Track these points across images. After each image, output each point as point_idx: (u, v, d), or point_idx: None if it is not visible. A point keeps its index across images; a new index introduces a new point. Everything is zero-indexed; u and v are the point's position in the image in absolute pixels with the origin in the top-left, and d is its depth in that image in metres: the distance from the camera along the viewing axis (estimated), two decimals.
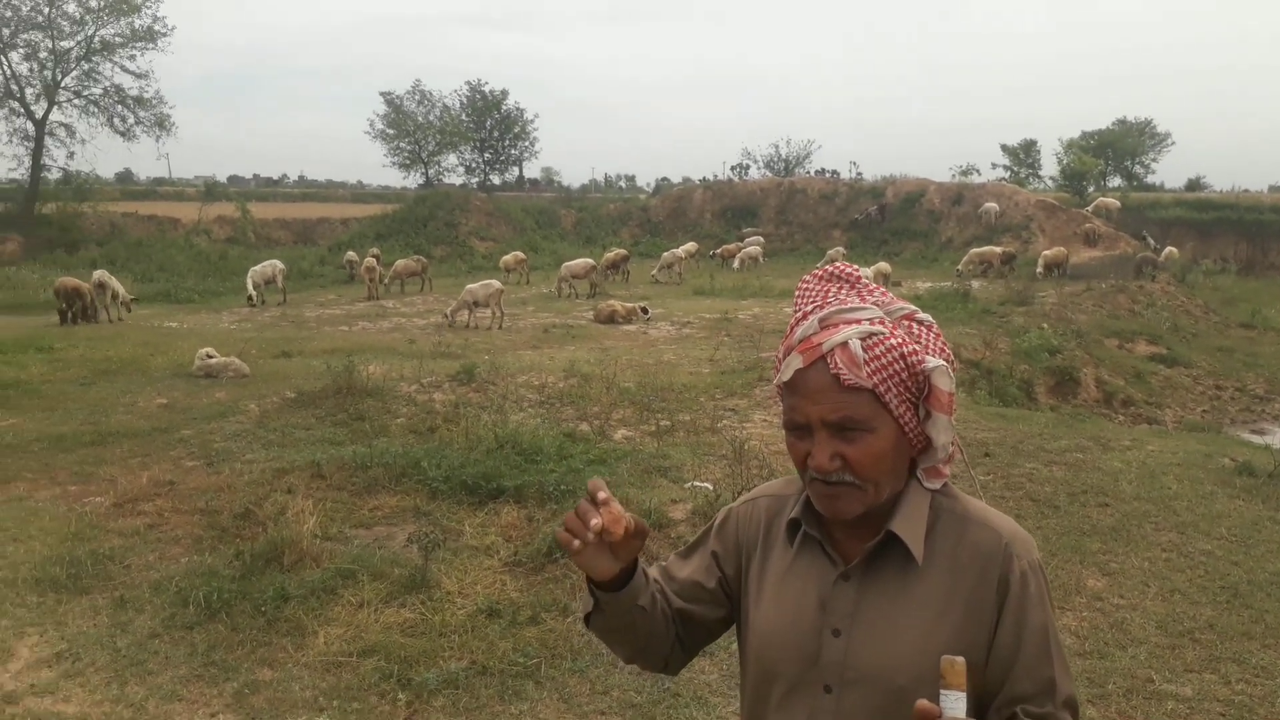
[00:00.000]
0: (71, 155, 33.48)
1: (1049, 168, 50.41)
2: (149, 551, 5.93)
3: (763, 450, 7.44)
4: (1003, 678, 1.39)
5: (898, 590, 1.42)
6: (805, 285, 1.52)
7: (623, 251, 26.70)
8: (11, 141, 32.50)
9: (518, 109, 48.77)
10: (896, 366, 1.38)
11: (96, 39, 32.39)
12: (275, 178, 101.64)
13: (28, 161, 32.51)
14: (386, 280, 22.92)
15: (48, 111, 32.45)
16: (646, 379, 10.57)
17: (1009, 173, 50.94)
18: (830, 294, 1.47)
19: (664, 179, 69.27)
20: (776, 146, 53.92)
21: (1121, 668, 4.54)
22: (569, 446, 7.61)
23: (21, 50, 31.64)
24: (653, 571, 1.64)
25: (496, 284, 17.36)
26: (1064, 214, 31.82)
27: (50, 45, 31.81)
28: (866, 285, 1.49)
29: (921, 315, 1.48)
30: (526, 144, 50.02)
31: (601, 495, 1.39)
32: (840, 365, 1.36)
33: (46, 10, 31.29)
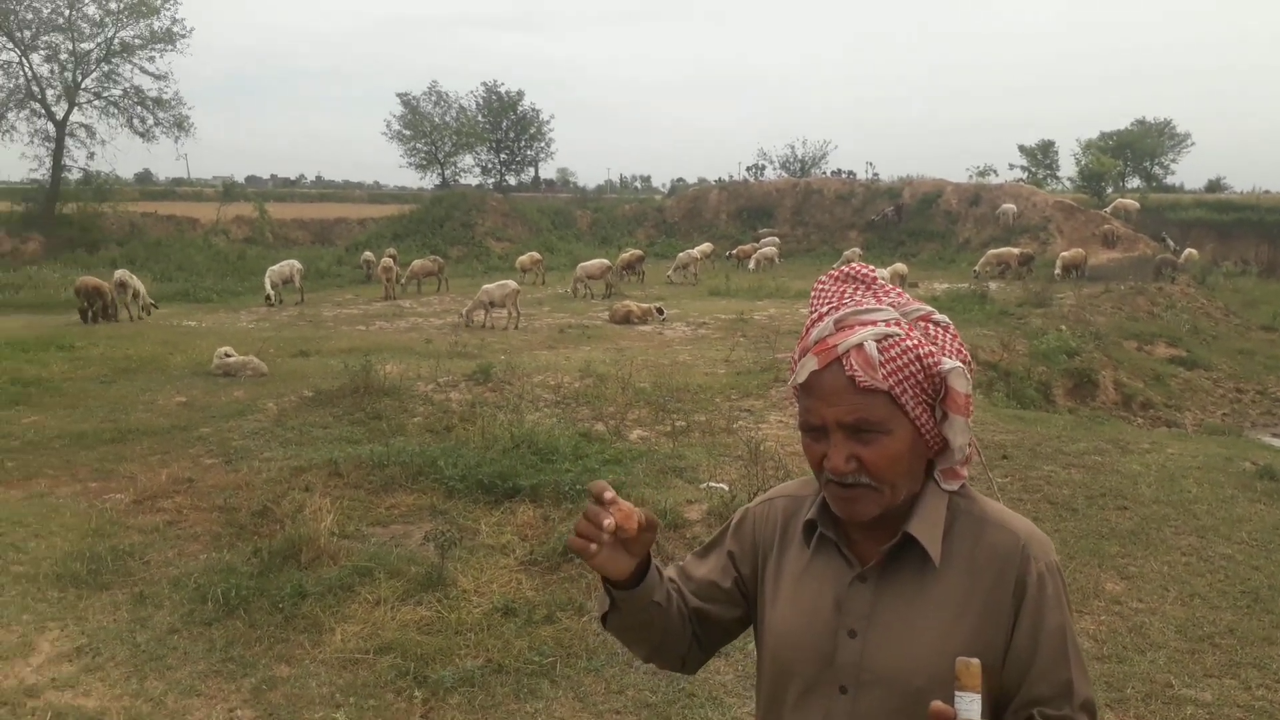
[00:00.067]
0: (92, 156, 33.67)
1: (1067, 168, 50.21)
2: (168, 548, 5.99)
3: (778, 451, 7.43)
4: (1020, 680, 1.38)
5: (914, 592, 1.42)
6: (821, 286, 1.51)
7: (638, 252, 26.71)
8: (33, 142, 32.73)
9: (533, 110, 48.83)
10: (912, 368, 1.38)
11: (116, 41, 32.62)
12: (293, 178, 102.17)
13: (49, 162, 32.75)
14: (403, 280, 23.00)
15: (68, 112, 32.70)
16: (662, 379, 10.58)
17: (1027, 173, 50.71)
18: (846, 295, 1.47)
19: (679, 179, 69.23)
20: (792, 147, 53.84)
21: (1140, 672, 4.51)
22: (584, 446, 7.63)
23: (43, 52, 31.91)
24: (670, 571, 1.64)
25: (512, 284, 17.40)
26: (1082, 215, 31.62)
27: (71, 47, 32.07)
28: (882, 286, 1.49)
29: (938, 316, 1.47)
30: (542, 145, 50.09)
31: (608, 495, 1.39)
32: (856, 367, 1.36)
33: (67, 12, 31.55)
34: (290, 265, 21.88)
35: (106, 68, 33.05)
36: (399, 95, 44.78)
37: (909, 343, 1.39)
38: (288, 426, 8.62)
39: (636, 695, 4.35)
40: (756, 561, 1.61)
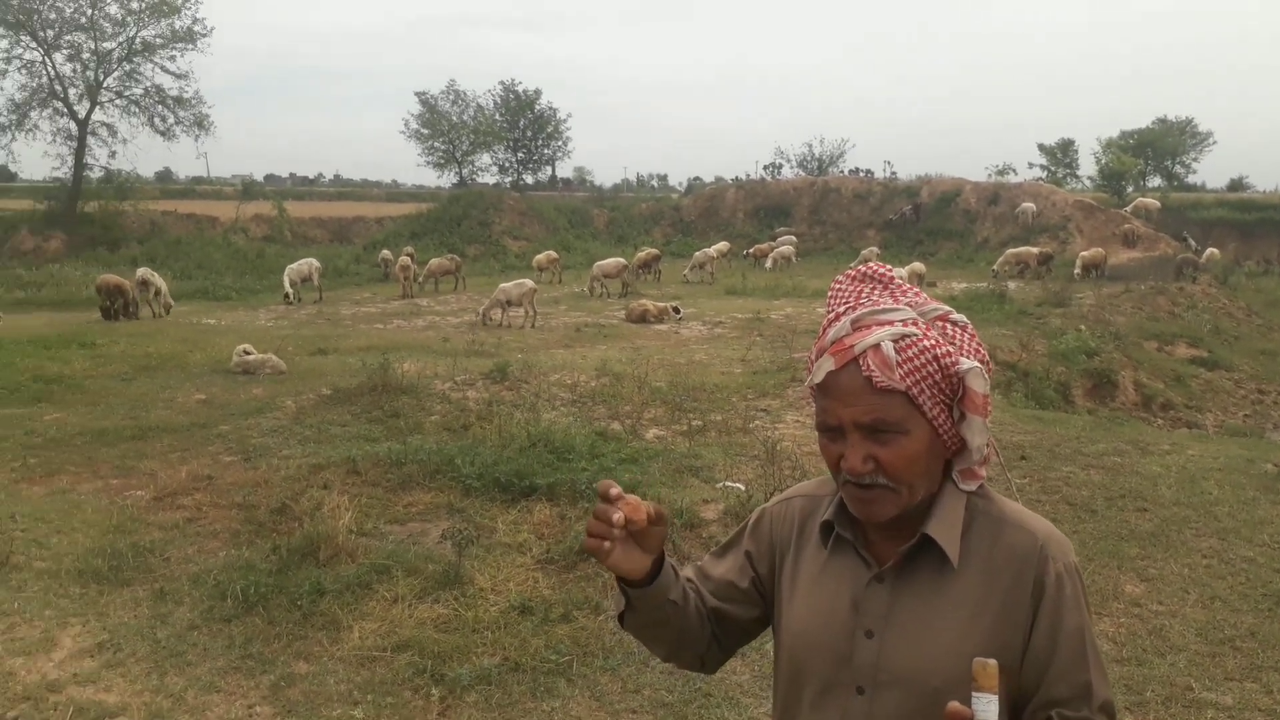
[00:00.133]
0: (113, 154, 33.93)
1: (1087, 167, 49.90)
2: (188, 545, 6.04)
3: (795, 451, 7.42)
4: (1038, 681, 1.38)
5: (931, 592, 1.41)
6: (838, 286, 1.51)
7: (654, 251, 26.71)
8: (55, 141, 33.02)
9: (551, 108, 48.93)
10: (930, 368, 1.37)
11: (138, 40, 32.88)
12: (311, 177, 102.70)
13: (71, 161, 33.03)
14: (421, 279, 23.08)
15: (90, 111, 32.96)
16: (678, 378, 10.58)
17: (1046, 172, 50.43)
18: (863, 295, 1.46)
19: (696, 178, 69.23)
20: (810, 145, 53.71)
21: (1160, 675, 4.48)
22: (601, 445, 7.64)
23: (65, 51, 32.20)
24: (687, 571, 1.65)
25: (529, 283, 17.44)
26: (1102, 214, 31.41)
27: (93, 46, 32.34)
28: (900, 286, 1.48)
29: (956, 316, 1.46)
30: (559, 144, 50.19)
31: (614, 492, 1.40)
32: (873, 367, 1.36)
33: (89, 12, 31.82)
34: (309, 264, 22.00)
35: (128, 67, 33.34)
36: (417, 94, 45.08)
37: (926, 343, 1.38)
38: (306, 424, 8.67)
39: (653, 694, 4.36)
40: (774, 561, 1.60)
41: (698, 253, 26.58)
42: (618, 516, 1.38)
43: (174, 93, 33.94)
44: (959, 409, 1.41)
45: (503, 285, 17.58)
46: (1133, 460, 7.87)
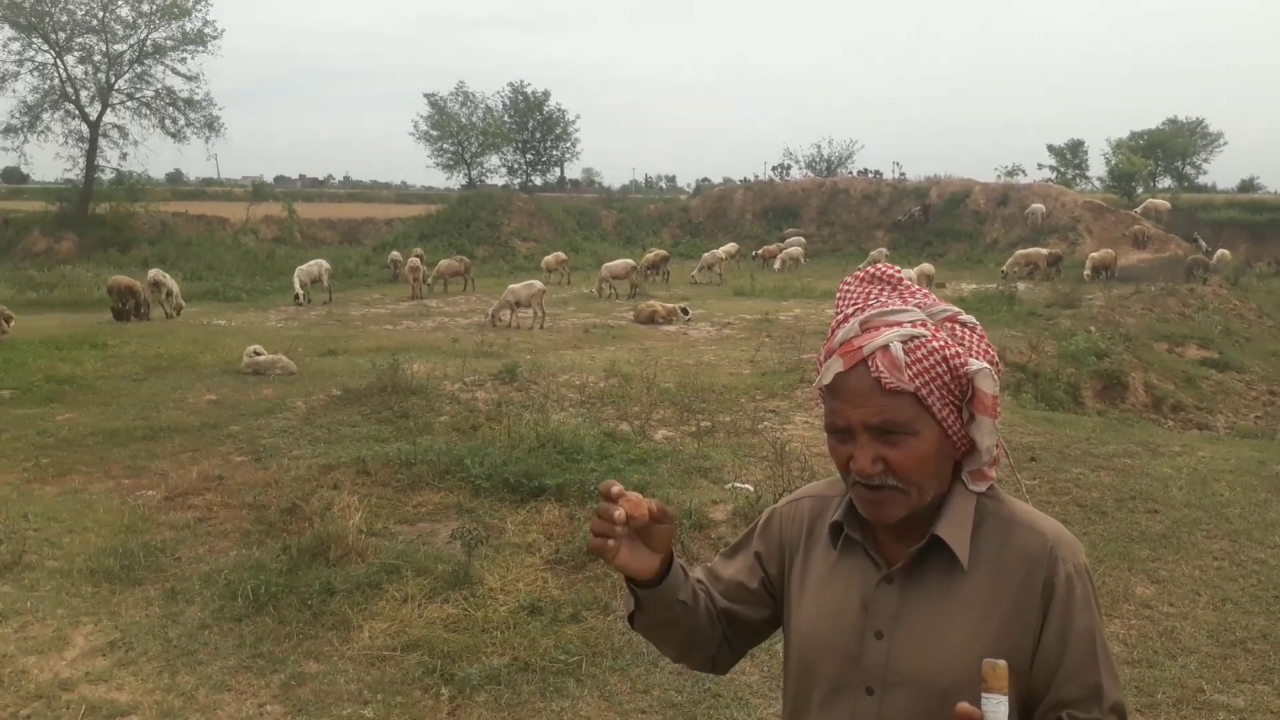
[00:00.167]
0: (124, 156, 34.11)
1: (1096, 168, 49.77)
2: (199, 544, 6.06)
3: (804, 452, 7.42)
4: (1048, 682, 1.38)
5: (941, 593, 1.41)
6: (846, 287, 1.51)
7: (662, 252, 26.73)
8: (67, 143, 33.22)
9: (559, 110, 48.93)
10: (939, 369, 1.37)
11: (149, 42, 33.04)
12: (321, 178, 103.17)
13: (82, 163, 33.22)
14: (430, 280, 23.13)
15: (101, 113, 33.15)
16: (687, 379, 10.58)
17: (1055, 173, 50.29)
18: (872, 296, 1.46)
19: (704, 179, 69.13)
20: (818, 146, 53.46)
21: (1171, 677, 4.46)
22: (610, 446, 7.65)
23: (77, 54, 32.39)
24: (698, 572, 1.66)
25: (538, 284, 17.46)
26: (1112, 215, 31.31)
27: (104, 49, 32.50)
28: (909, 287, 1.48)
29: (965, 317, 1.46)
30: (568, 145, 50.20)
31: (615, 490, 1.41)
32: (881, 368, 1.36)
33: (101, 15, 32.01)
34: (318, 265, 22.08)
35: (139, 69, 33.51)
36: (426, 96, 45.01)
37: (935, 344, 1.38)
38: (316, 425, 8.70)
39: (662, 695, 4.36)
40: (783, 562, 1.61)
41: (706, 254, 26.58)
42: (619, 514, 1.39)
43: (184, 94, 34.14)
44: (968, 410, 1.41)
45: (512, 286, 17.61)
46: (1143, 462, 7.84)
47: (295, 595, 5.22)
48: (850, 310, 1.46)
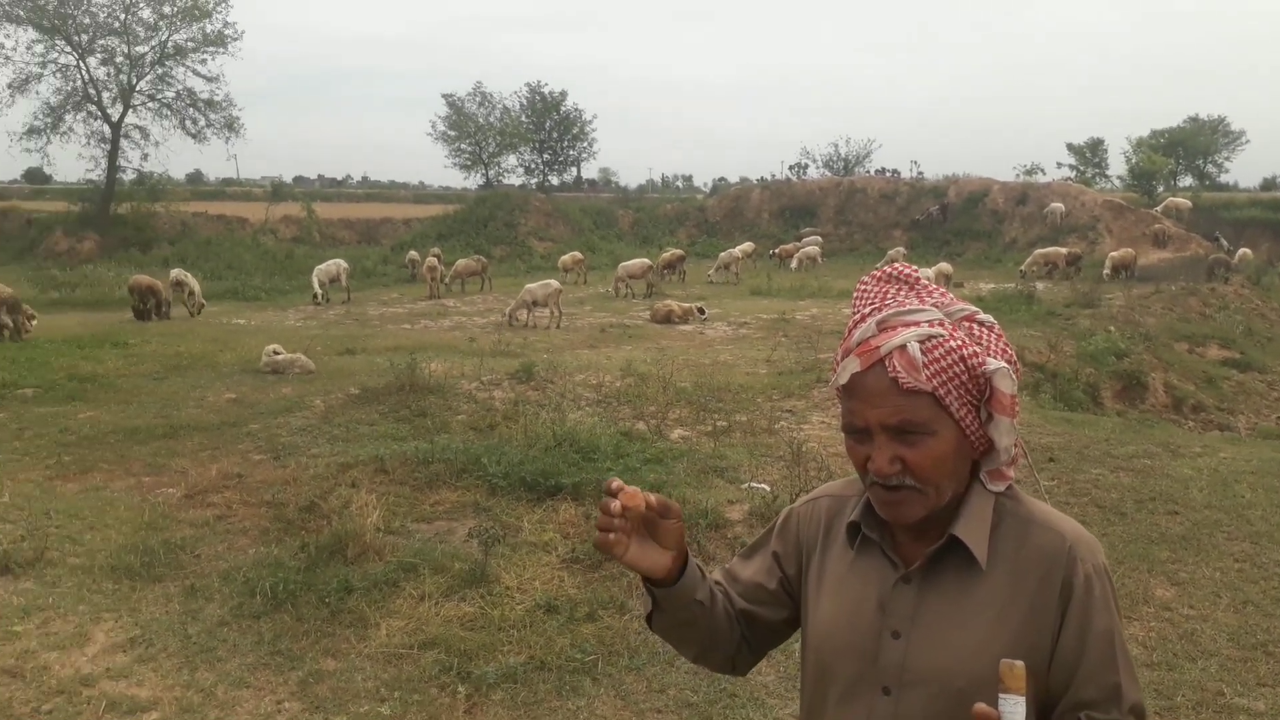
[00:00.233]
0: (145, 157, 34.43)
1: (1116, 167, 49.35)
2: (218, 542, 6.11)
3: (821, 452, 7.40)
4: (1066, 683, 1.37)
5: (958, 593, 1.41)
6: (864, 287, 1.50)
7: (679, 252, 26.73)
8: (90, 144, 33.54)
9: (576, 110, 49.02)
10: (956, 369, 1.37)
11: (170, 44, 33.35)
12: (339, 178, 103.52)
13: (104, 163, 33.54)
14: (447, 279, 23.21)
15: (123, 114, 33.43)
16: (703, 379, 10.58)
17: (1075, 172, 49.90)
18: (889, 296, 1.46)
19: (721, 179, 69.16)
20: (836, 145, 53.39)
21: (1191, 680, 4.43)
22: (626, 445, 7.66)
23: (99, 55, 32.70)
24: (716, 574, 1.66)
25: (555, 284, 17.50)
26: (1132, 214, 31.09)
27: (126, 50, 32.80)
28: (926, 286, 1.47)
29: (983, 316, 1.46)
30: (585, 145, 50.28)
31: (614, 484, 1.42)
32: (899, 368, 1.35)
33: (123, 17, 32.29)
34: (337, 264, 22.20)
35: (160, 70, 33.82)
36: (444, 96, 45.25)
37: (953, 343, 1.38)
38: (334, 423, 8.74)
39: (678, 694, 4.36)
40: (801, 561, 1.61)
41: (723, 253, 26.56)
42: (615, 505, 1.40)
43: (205, 96, 34.44)
44: (986, 410, 1.40)
45: (528, 286, 17.65)
46: (1163, 463, 7.78)
47: (313, 593, 5.25)
48: (867, 310, 1.45)
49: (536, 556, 5.75)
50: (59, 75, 32.58)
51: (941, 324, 1.40)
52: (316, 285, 20.88)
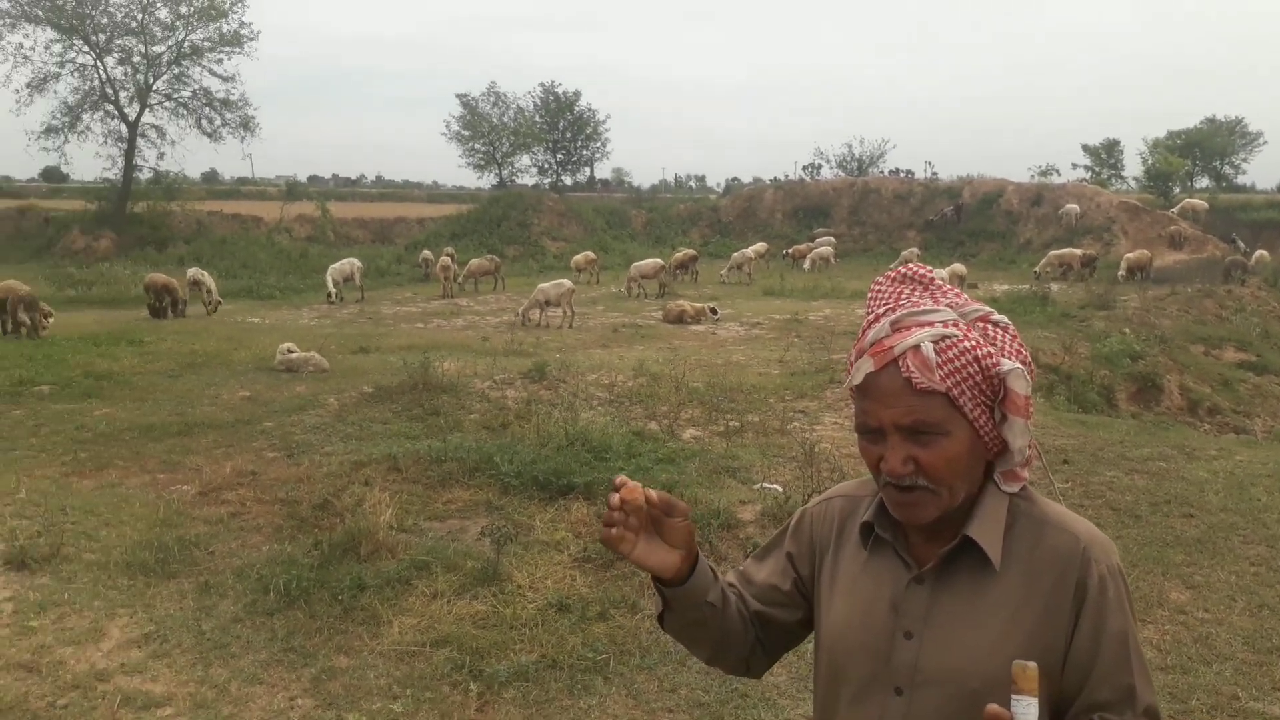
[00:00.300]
0: (162, 156, 34.63)
1: (1132, 168, 49.11)
2: (232, 539, 6.14)
3: (834, 453, 7.39)
4: (1080, 684, 1.37)
5: (972, 594, 1.40)
6: (878, 287, 1.50)
7: (691, 252, 26.71)
8: (106, 143, 33.76)
9: (590, 110, 49.05)
10: (970, 369, 1.36)
11: (186, 44, 33.54)
12: (354, 178, 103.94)
13: (121, 162, 33.75)
14: (461, 279, 23.27)
15: (140, 114, 33.63)
16: (715, 379, 10.57)
17: (1090, 173, 49.68)
18: (903, 296, 1.46)
19: (734, 179, 69.19)
20: (850, 146, 53.47)
21: (1205, 684, 4.40)
22: (638, 445, 7.66)
23: (116, 55, 32.91)
24: (730, 576, 1.66)
25: (567, 283, 17.52)
26: (1148, 216, 30.93)
27: (143, 50, 33.00)
28: (940, 287, 1.47)
29: (997, 317, 1.45)
30: (598, 145, 50.31)
31: (618, 480, 1.44)
32: (912, 368, 1.35)
33: (140, 17, 32.49)
34: (351, 263, 22.29)
35: (177, 70, 34.00)
36: (458, 96, 45.30)
37: (967, 344, 1.37)
38: (348, 421, 8.78)
39: (689, 694, 4.36)
40: (814, 561, 1.61)
41: (735, 253, 26.53)
42: (614, 499, 1.41)
43: (221, 95, 34.60)
44: (1000, 410, 1.40)
45: (541, 286, 17.68)
46: (1178, 465, 7.74)
47: (326, 590, 5.27)
48: (881, 310, 1.45)
49: (548, 555, 5.76)
50: (77, 75, 32.84)
51: (956, 324, 1.40)
52: (330, 284, 20.97)
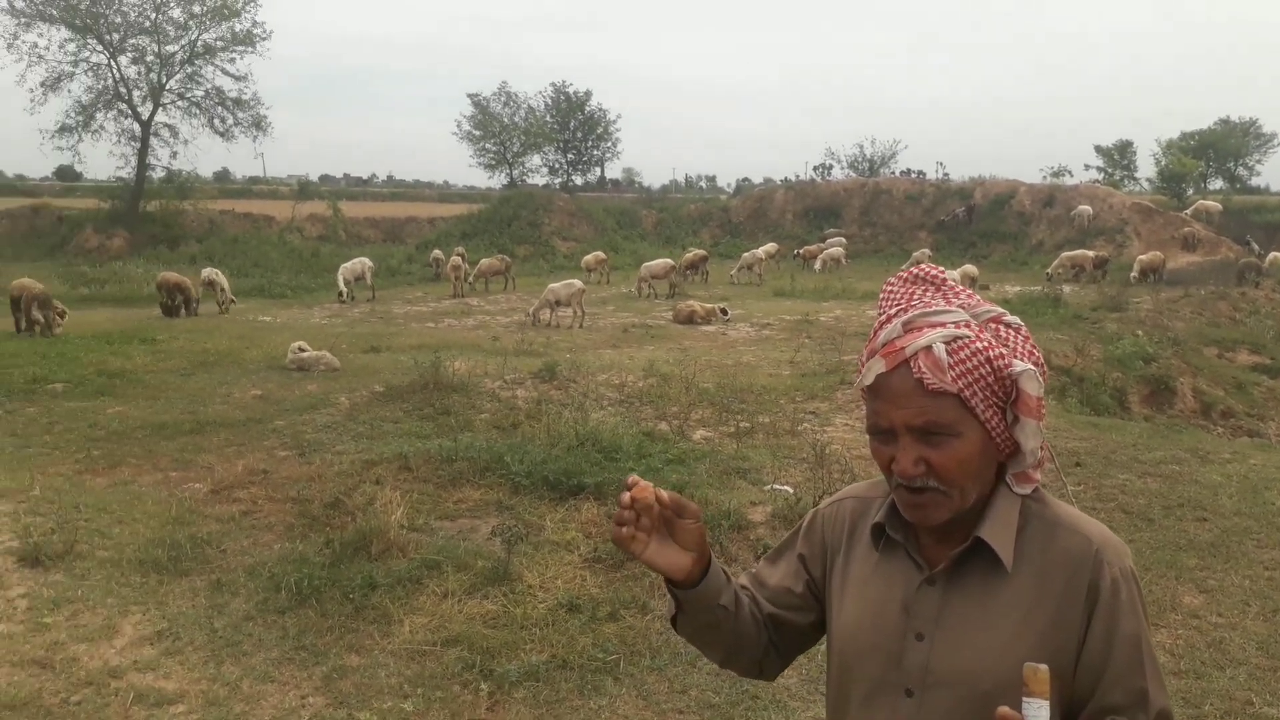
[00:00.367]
0: (174, 155, 34.75)
1: (1145, 169, 48.92)
2: (244, 537, 6.16)
3: (844, 454, 7.37)
4: (1092, 687, 1.36)
5: (983, 595, 1.40)
6: (889, 288, 1.50)
7: (701, 252, 26.70)
8: (120, 142, 33.89)
9: (600, 110, 49.07)
10: (982, 370, 1.36)
11: (199, 43, 33.67)
12: (365, 177, 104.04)
13: (134, 161, 33.88)
14: (471, 278, 23.31)
15: (153, 113, 33.77)
16: (725, 380, 10.56)
17: (1103, 174, 49.44)
18: (915, 296, 1.45)
19: (745, 179, 69.15)
20: (861, 146, 53.32)
21: (1219, 689, 4.38)
22: (648, 445, 7.66)
23: (130, 54, 33.06)
24: (743, 579, 1.66)
25: (578, 283, 17.53)
26: (1161, 217, 30.77)
27: (156, 49, 33.12)
28: (952, 288, 1.47)
29: (1010, 318, 1.45)
30: (609, 145, 50.32)
31: (630, 479, 1.44)
32: (924, 369, 1.35)
33: (153, 16, 32.63)
34: (362, 263, 22.35)
35: (190, 69, 34.10)
36: (470, 96, 45.48)
37: (979, 345, 1.37)
38: (359, 421, 8.80)
39: (700, 695, 4.36)
40: (826, 563, 1.60)
41: (746, 254, 26.52)
42: (625, 497, 1.42)
43: (233, 94, 34.71)
44: (1012, 412, 1.40)
45: (551, 285, 17.70)
46: (1192, 469, 7.70)
47: (337, 589, 5.29)
48: (893, 311, 1.45)
49: (559, 555, 5.76)
50: (90, 74, 32.97)
51: (968, 325, 1.40)
52: (341, 283, 21.05)
